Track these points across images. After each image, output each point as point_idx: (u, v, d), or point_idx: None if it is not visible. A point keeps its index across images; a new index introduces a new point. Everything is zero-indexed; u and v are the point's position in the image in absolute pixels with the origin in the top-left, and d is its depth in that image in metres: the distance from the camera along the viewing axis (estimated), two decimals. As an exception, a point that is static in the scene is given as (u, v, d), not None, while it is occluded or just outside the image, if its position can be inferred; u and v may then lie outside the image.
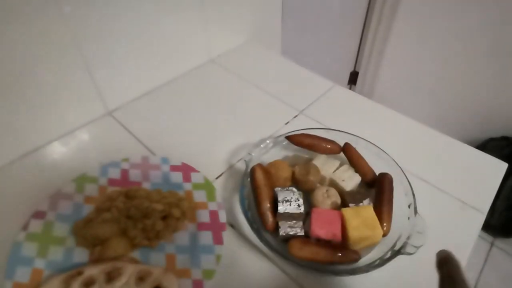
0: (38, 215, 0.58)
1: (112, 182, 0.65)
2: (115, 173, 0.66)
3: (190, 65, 0.94)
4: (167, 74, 0.90)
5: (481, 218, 0.60)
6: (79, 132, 0.76)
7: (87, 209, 0.60)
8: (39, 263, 0.53)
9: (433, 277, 0.49)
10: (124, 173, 0.66)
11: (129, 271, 0.50)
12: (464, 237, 0.58)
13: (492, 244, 1.64)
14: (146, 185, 0.65)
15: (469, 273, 1.55)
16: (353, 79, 2.09)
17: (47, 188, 0.63)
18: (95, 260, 0.53)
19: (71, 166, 0.69)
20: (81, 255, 0.55)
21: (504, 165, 0.69)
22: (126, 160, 0.68)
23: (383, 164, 0.63)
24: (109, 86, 0.79)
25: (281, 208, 0.54)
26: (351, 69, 2.05)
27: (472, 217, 0.61)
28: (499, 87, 1.66)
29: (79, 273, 0.49)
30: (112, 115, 0.80)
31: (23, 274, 0.51)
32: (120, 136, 0.76)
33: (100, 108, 0.80)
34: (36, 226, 0.57)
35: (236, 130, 0.77)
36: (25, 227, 0.56)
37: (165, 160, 0.68)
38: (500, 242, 1.65)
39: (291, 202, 0.55)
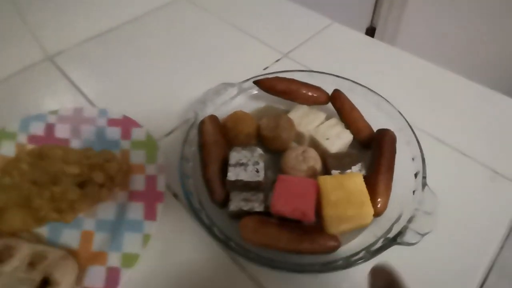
0: None
1: (32, 139, 0.51)
2: (38, 128, 0.52)
3: (154, 3, 0.77)
4: (122, 14, 0.73)
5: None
6: (7, 79, 0.62)
7: (-3, 172, 0.47)
8: None
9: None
10: (50, 128, 0.52)
11: (24, 253, 0.37)
12: (496, 218, 0.41)
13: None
14: (75, 143, 0.51)
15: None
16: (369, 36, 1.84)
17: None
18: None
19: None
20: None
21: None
22: (54, 112, 0.53)
23: (384, 119, 0.46)
24: (50, 27, 0.63)
25: (232, 174, 0.39)
26: (367, 24, 1.80)
27: (506, 191, 0.43)
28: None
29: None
30: (52, 60, 0.65)
31: None
32: (57, 84, 0.61)
33: (37, 52, 0.64)
34: None
35: (200, 78, 0.61)
36: None
37: (103, 112, 0.54)
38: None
39: (247, 166, 0.39)
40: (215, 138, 0.42)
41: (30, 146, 0.50)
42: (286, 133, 0.44)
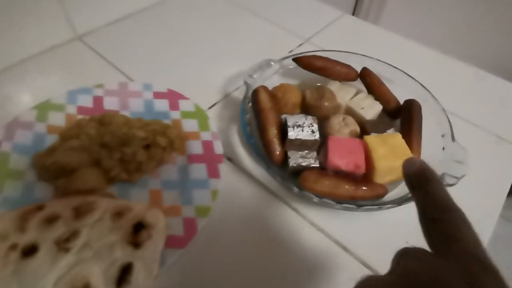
0: (-9, 145, 0.47)
1: (82, 110, 0.53)
2: (86, 100, 0.54)
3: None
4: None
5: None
6: (42, 56, 0.63)
7: (51, 140, 0.49)
8: (-9, 199, 0.42)
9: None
10: (98, 100, 0.55)
11: (103, 206, 0.40)
12: (502, 174, 0.50)
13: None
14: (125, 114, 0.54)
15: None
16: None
17: (3, 117, 0.51)
18: (61, 195, 0.43)
19: (32, 93, 0.56)
20: (43, 190, 0.44)
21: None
22: (100, 86, 0.56)
23: (408, 93, 0.53)
24: (78, 7, 0.65)
25: (292, 133, 0.44)
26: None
27: (509, 152, 0.52)
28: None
29: (40, 208, 0.39)
30: (81, 40, 0.67)
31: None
32: (92, 62, 0.63)
33: (67, 31, 0.66)
34: (-13, 157, 0.46)
35: (231, 58, 0.65)
36: (-27, 158, 0.45)
37: (147, 86, 0.57)
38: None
39: (303, 128, 0.45)
40: (271, 105, 0.47)
41: (79, 116, 0.52)
42: (330, 102, 0.50)
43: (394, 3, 1.75)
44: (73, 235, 0.36)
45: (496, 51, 1.56)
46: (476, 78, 0.66)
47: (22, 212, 0.39)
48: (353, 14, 1.78)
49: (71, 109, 0.53)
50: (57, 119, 0.52)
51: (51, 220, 0.38)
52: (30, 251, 0.35)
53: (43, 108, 0.52)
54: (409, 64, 0.57)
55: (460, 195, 0.43)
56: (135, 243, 0.36)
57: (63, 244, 0.36)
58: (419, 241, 0.41)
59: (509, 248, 1.42)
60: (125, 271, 0.34)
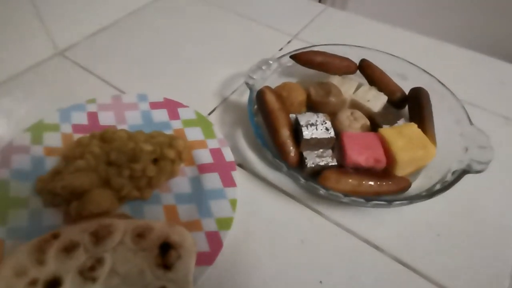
0: (-16, 175, 0.43)
1: (78, 128, 0.50)
2: (80, 118, 0.51)
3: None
4: (128, 4, 0.73)
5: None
6: (24, 75, 0.59)
7: (51, 162, 0.46)
8: (-4, 234, 0.39)
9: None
10: (92, 116, 0.52)
11: (122, 228, 0.37)
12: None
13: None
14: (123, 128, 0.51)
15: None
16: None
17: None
18: (73, 220, 0.40)
19: (21, 115, 0.53)
20: (52, 217, 0.41)
21: None
22: (92, 101, 0.53)
23: (411, 82, 0.53)
24: (57, 21, 0.62)
25: (307, 133, 0.43)
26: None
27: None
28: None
29: (55, 237, 0.36)
30: (64, 55, 0.63)
31: (-30, 252, 0.37)
32: (78, 76, 0.60)
33: (48, 47, 0.62)
34: (-18, 189, 0.42)
35: (222, 61, 0.64)
36: (-33, 191, 0.41)
37: (142, 97, 0.54)
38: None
39: (317, 126, 0.44)
40: (279, 106, 0.46)
41: (76, 135, 0.49)
42: (336, 98, 0.49)
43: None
44: (97, 262, 0.34)
45: (484, 32, 1.57)
46: (472, 61, 0.67)
47: (37, 242, 0.36)
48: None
49: (66, 128, 0.50)
50: (53, 140, 0.48)
51: (69, 249, 0.35)
52: (53, 285, 0.33)
53: (36, 130, 0.49)
54: (403, 52, 0.57)
55: (483, 180, 0.44)
56: (165, 265, 0.34)
57: (88, 273, 0.33)
58: (450, 233, 0.42)
59: None
60: (159, 297, 0.32)
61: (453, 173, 0.41)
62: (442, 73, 0.53)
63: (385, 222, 0.43)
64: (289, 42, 0.69)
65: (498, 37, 1.53)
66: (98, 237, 0.36)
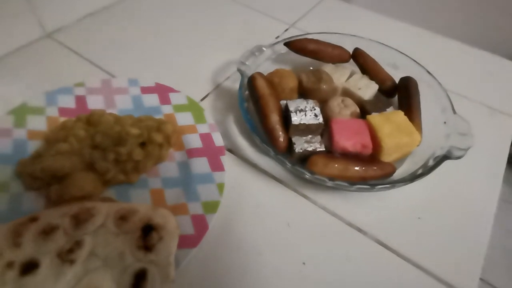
0: (-35, 158, 0.42)
1: (64, 111, 0.49)
2: (67, 101, 0.50)
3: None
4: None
5: (512, 122, 0.53)
6: (10, 57, 0.58)
7: (34, 146, 0.45)
8: (-28, 217, 0.38)
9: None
10: (81, 100, 0.51)
11: (104, 211, 0.37)
12: (498, 142, 0.51)
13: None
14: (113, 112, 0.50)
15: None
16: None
17: (-26, 126, 0.46)
18: (53, 204, 0.39)
19: (5, 98, 0.52)
20: (32, 201, 0.40)
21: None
22: (81, 84, 0.52)
23: (402, 71, 0.53)
24: (45, 2, 0.60)
25: (296, 119, 0.43)
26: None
27: (503, 122, 0.53)
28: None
29: (33, 220, 0.35)
30: (51, 37, 0.62)
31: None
32: (66, 59, 0.59)
33: (35, 29, 0.61)
34: (-37, 172, 0.41)
35: (217, 47, 0.63)
36: None
37: (133, 81, 0.54)
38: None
39: (306, 112, 0.44)
40: (269, 91, 0.45)
41: (62, 118, 0.49)
42: (328, 85, 0.49)
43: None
44: (76, 245, 0.33)
45: (476, 25, 1.57)
46: (462, 53, 0.67)
47: (13, 225, 0.35)
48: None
49: (52, 111, 0.49)
50: (38, 123, 0.48)
51: (48, 231, 0.34)
52: (29, 267, 0.32)
53: (20, 113, 0.48)
54: (397, 42, 0.57)
55: (464, 167, 0.45)
56: (146, 247, 0.33)
57: (66, 256, 0.33)
58: (431, 216, 0.42)
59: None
60: (140, 278, 0.32)
61: (434, 159, 0.41)
62: (432, 63, 0.53)
63: (369, 206, 0.43)
64: (286, 30, 0.68)
65: (489, 31, 1.55)
66: (79, 220, 0.35)
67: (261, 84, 0.46)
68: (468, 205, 0.44)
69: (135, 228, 0.35)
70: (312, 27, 0.68)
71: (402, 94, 0.50)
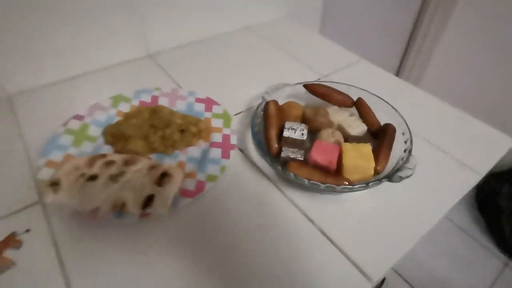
0: (77, 117, 0.67)
1: (142, 103, 0.73)
2: (146, 97, 0.74)
3: (225, 28, 1.04)
4: (206, 31, 0.99)
5: (476, 179, 0.62)
6: (120, 66, 0.86)
7: (118, 119, 0.69)
8: (72, 150, 0.61)
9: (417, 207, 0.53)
10: (154, 98, 0.74)
11: (144, 162, 0.57)
12: (454, 189, 0.60)
13: (506, 265, 1.57)
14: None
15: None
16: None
17: (88, 101, 0.72)
18: (117, 153, 0.61)
19: (110, 88, 0.78)
20: (106, 150, 0.63)
21: (509, 140, 0.70)
22: (158, 89, 0.76)
23: (389, 119, 0.66)
24: (155, 26, 0.89)
25: (286, 133, 0.59)
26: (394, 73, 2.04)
27: (468, 176, 0.62)
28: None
29: (103, 156, 0.57)
30: (152, 57, 0.89)
31: (56, 155, 0.60)
32: (156, 74, 0.85)
33: (143, 49, 0.89)
34: (74, 124, 0.66)
35: (260, 83, 0.83)
36: (65, 124, 0.66)
37: (192, 93, 0.76)
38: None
39: (296, 130, 0.60)
40: (276, 113, 0.63)
41: (140, 107, 0.72)
42: (323, 118, 0.65)
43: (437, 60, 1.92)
44: (121, 174, 0.54)
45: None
46: (446, 114, 0.78)
47: (92, 156, 0.57)
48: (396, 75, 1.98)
49: (135, 102, 0.73)
50: (124, 107, 0.72)
51: (109, 163, 0.56)
52: (92, 178, 0.53)
53: (116, 99, 0.72)
54: (407, 110, 0.70)
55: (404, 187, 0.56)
56: (159, 183, 0.52)
57: (114, 178, 0.53)
58: (373, 221, 0.54)
59: None
60: (149, 199, 0.51)
61: (381, 179, 0.53)
62: (414, 116, 0.66)
63: (324, 205, 0.56)
64: (318, 79, 0.86)
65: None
66: (128, 162, 0.56)
67: (272, 108, 0.63)
68: (406, 220, 0.55)
69: (157, 173, 0.55)
70: (341, 80, 0.85)
71: (381, 135, 0.62)
